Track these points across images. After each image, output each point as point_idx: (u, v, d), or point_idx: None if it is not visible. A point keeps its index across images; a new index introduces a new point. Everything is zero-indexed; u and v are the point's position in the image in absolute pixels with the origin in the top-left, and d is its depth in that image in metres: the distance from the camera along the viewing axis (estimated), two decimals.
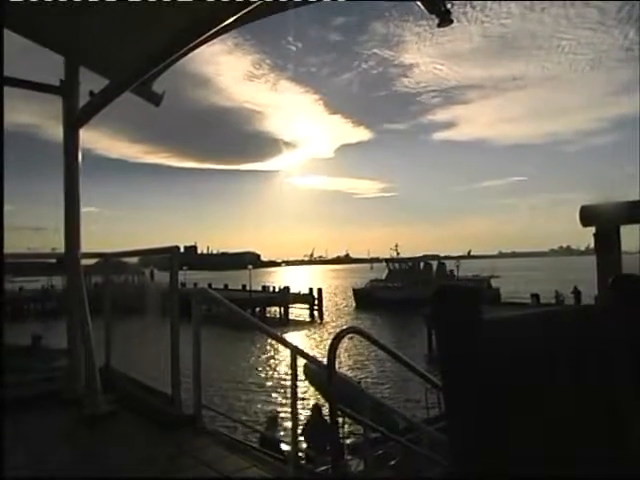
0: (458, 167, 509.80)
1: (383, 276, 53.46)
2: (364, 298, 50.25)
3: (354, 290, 53.66)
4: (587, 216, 2.10)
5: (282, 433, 7.67)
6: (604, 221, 2.02)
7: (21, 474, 2.90)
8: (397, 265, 52.95)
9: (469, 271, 54.47)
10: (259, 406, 16.10)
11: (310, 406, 8.54)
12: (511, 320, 1.21)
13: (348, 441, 5.27)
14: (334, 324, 37.69)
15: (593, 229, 2.09)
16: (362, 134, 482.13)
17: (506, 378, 1.05)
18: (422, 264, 52.24)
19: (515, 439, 1.03)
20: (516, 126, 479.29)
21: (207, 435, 3.63)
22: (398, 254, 56.92)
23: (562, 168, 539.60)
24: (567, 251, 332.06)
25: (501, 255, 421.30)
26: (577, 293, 31.99)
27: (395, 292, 48.01)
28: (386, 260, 56.25)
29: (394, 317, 39.17)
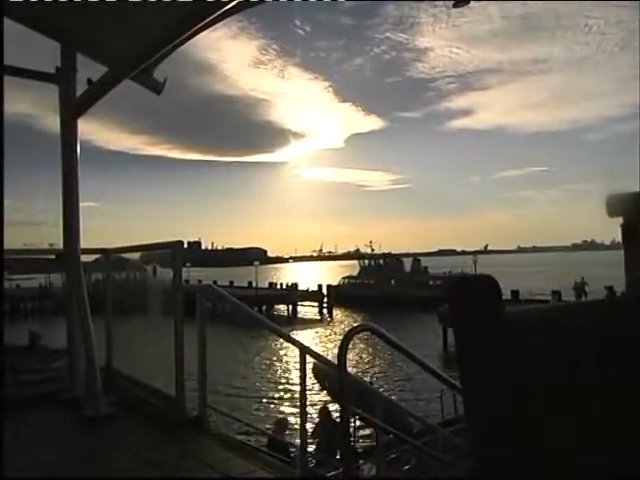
0: (475, 157, 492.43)
1: (355, 273, 54.83)
2: (337, 295, 49.86)
3: (327, 286, 52.93)
4: (614, 205, 2.00)
5: (291, 435, 7.56)
6: (633, 210, 1.91)
7: (21, 477, 2.84)
8: (368, 262, 54.22)
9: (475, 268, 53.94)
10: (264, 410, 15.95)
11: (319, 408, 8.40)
12: (534, 315, 1.17)
13: (360, 444, 5.17)
14: (345, 322, 37.24)
15: (620, 220, 1.99)
16: (374, 123, 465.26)
17: (529, 376, 1.01)
18: (394, 261, 53.59)
19: (537, 440, 0.99)
20: (537, 113, 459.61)
21: (212, 437, 3.57)
22: (372, 250, 58.19)
23: (585, 157, 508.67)
24: (591, 245, 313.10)
25: (520, 250, 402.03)
26: (579, 289, 31.42)
27: (366, 289, 48.98)
28: (358, 257, 57.49)
29: (366, 315, 38.06)
